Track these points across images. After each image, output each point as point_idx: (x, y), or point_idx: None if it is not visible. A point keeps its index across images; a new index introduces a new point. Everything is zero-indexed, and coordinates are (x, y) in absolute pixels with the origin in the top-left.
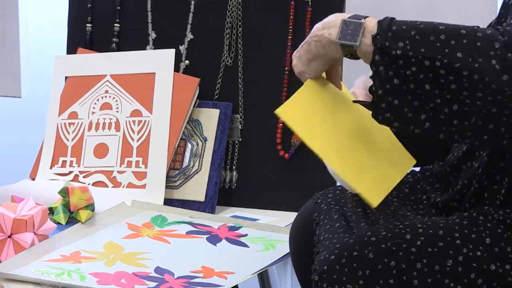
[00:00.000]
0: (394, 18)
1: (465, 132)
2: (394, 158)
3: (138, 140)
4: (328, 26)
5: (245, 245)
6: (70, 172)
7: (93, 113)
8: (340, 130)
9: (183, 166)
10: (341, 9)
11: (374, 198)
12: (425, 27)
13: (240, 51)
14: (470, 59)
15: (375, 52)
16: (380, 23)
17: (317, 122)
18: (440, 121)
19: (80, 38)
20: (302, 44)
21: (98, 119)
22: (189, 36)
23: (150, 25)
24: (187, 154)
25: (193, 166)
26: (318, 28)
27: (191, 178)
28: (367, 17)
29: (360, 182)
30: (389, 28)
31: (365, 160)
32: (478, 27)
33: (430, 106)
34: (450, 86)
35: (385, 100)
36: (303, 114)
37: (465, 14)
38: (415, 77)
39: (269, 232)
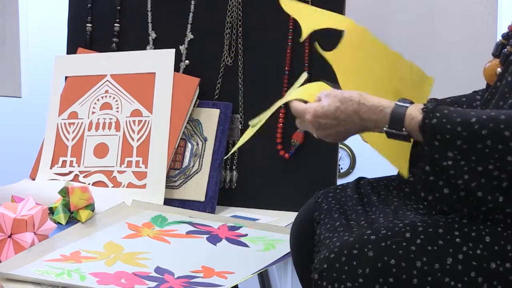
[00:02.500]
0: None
1: None
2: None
3: (138, 140)
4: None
5: (245, 245)
6: (70, 172)
7: (93, 113)
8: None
9: (183, 166)
10: (341, 9)
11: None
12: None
13: (240, 51)
14: None
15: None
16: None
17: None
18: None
19: (80, 38)
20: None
21: (98, 119)
22: (189, 36)
23: (150, 25)
24: (187, 154)
25: (193, 166)
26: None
27: (191, 178)
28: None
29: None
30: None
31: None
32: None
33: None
34: None
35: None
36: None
37: (465, 14)
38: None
39: (269, 232)
